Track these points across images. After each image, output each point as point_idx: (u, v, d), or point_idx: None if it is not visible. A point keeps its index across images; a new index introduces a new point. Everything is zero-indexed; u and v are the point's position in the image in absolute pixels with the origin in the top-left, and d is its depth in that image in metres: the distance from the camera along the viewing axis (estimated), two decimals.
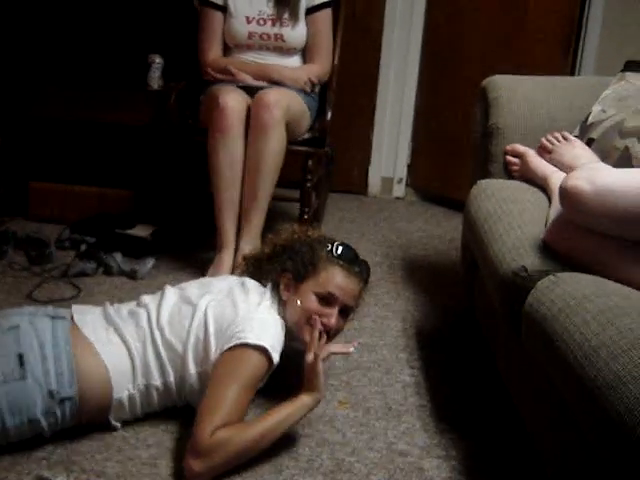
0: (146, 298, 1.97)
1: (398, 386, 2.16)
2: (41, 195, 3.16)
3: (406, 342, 2.42)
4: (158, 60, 3.37)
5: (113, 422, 1.82)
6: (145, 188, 3.16)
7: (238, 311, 1.85)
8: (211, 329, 1.83)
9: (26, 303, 2.41)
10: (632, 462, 1.19)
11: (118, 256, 2.75)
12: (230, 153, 2.63)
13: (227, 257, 2.65)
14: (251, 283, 2.01)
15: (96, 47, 3.50)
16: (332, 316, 1.93)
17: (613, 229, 1.64)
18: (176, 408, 1.90)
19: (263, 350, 1.77)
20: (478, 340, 2.36)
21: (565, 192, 1.67)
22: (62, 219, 3.08)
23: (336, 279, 1.95)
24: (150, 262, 2.77)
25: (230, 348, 1.77)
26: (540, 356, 1.59)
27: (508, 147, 2.38)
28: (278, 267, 2.03)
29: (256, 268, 2.11)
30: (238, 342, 1.77)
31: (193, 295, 1.94)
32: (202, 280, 2.15)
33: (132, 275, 2.71)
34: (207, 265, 2.69)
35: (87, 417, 1.78)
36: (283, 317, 1.93)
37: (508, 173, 2.39)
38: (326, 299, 1.94)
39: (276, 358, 1.80)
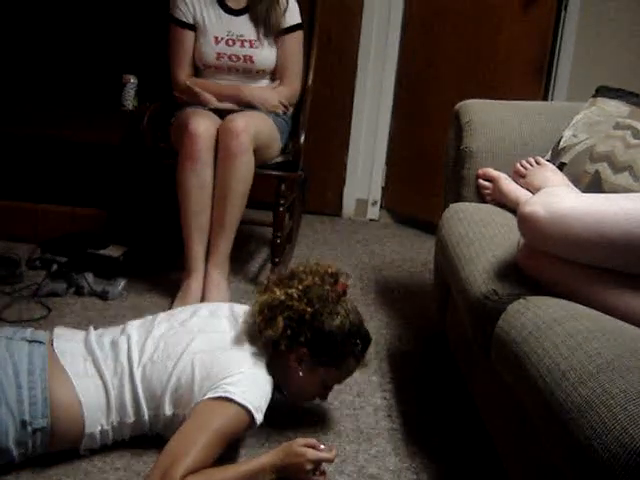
0: (132, 327, 1.91)
1: (370, 409, 2.15)
2: (11, 214, 3.13)
3: (378, 364, 2.42)
4: (132, 80, 3.36)
5: (82, 452, 1.79)
6: (118, 208, 3.13)
7: (229, 359, 1.81)
8: (197, 376, 1.77)
9: None
10: None
11: (89, 276, 2.73)
12: (200, 179, 2.60)
13: (195, 283, 2.63)
14: (247, 326, 1.92)
15: (71, 66, 3.49)
16: (328, 394, 2.02)
17: (569, 254, 1.65)
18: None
19: (247, 410, 1.74)
20: (450, 363, 2.36)
21: (522, 218, 1.68)
22: (33, 238, 3.04)
23: (350, 372, 1.99)
24: (121, 283, 2.75)
25: (214, 397, 1.74)
26: (510, 379, 1.59)
27: (480, 171, 2.39)
28: (290, 331, 1.86)
29: (267, 319, 1.87)
30: (223, 395, 1.73)
31: (185, 334, 1.86)
32: (196, 311, 2.00)
33: (103, 296, 2.68)
34: (178, 287, 2.67)
35: (58, 446, 1.75)
36: (272, 373, 1.86)
37: (480, 197, 2.40)
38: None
39: (260, 419, 1.77)
